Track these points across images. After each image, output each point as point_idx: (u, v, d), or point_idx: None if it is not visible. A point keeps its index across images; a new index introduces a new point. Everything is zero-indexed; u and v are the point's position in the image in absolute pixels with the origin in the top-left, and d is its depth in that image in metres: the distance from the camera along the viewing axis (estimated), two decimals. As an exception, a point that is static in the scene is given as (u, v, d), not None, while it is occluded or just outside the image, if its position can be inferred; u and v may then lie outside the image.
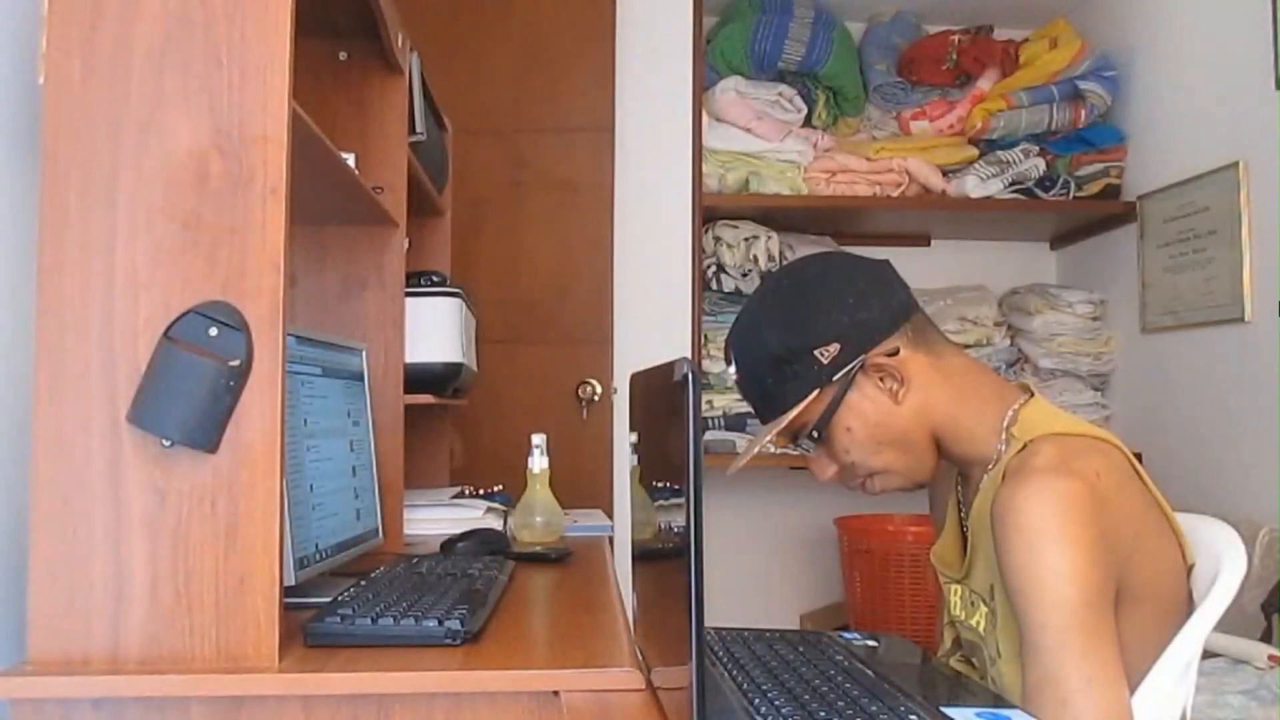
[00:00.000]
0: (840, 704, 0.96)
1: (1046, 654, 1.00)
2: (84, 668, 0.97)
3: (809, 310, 1.18)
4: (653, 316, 2.91)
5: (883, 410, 1.18)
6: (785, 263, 1.28)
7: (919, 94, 3.50)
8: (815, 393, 1.17)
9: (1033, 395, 1.20)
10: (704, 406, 3.17)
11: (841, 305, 1.17)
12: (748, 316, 1.24)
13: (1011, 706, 1.01)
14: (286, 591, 1.04)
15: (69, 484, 0.99)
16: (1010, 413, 1.17)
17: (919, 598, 2.99)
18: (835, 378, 1.16)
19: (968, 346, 3.36)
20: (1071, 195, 3.38)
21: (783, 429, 1.20)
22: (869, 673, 1.10)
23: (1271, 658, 2.07)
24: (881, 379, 1.17)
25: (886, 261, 1.25)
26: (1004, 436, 1.16)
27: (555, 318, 3.00)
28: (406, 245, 1.81)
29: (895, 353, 1.17)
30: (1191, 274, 2.99)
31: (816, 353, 1.16)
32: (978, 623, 1.19)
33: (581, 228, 3.14)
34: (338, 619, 1.06)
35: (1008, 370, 3.44)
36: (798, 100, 3.37)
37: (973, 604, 1.21)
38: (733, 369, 1.24)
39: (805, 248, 3.39)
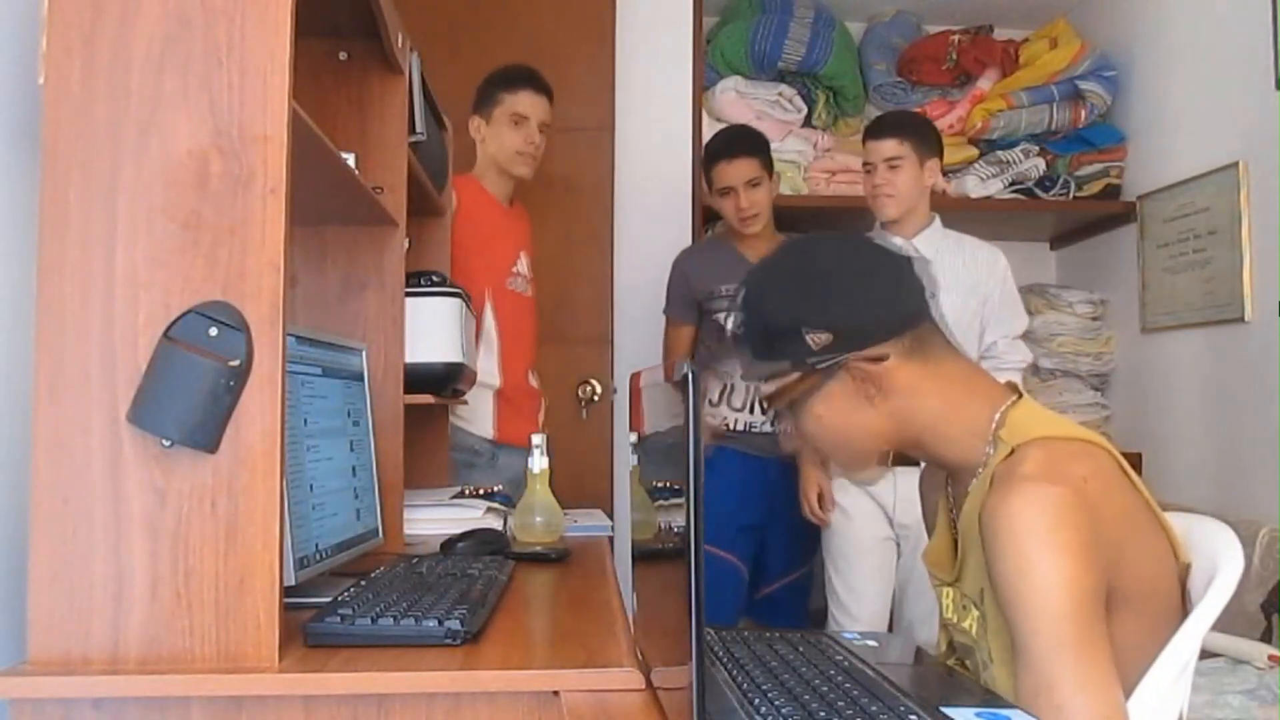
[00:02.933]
0: (840, 704, 0.96)
1: (1039, 661, 1.00)
2: (84, 668, 0.97)
3: (816, 292, 1.17)
4: (653, 316, 2.91)
5: (855, 408, 1.18)
6: (821, 232, 1.27)
7: (919, 94, 3.50)
8: (796, 374, 1.18)
9: (1020, 396, 1.20)
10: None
11: (848, 298, 1.16)
12: (763, 271, 1.24)
13: (1011, 706, 1.01)
14: (286, 591, 1.04)
15: (69, 484, 0.98)
16: (997, 416, 1.16)
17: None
18: (818, 366, 1.16)
19: (968, 346, 3.36)
20: (1071, 195, 3.38)
21: (762, 392, 1.21)
22: (869, 673, 1.10)
23: (1271, 658, 2.07)
24: (860, 380, 1.17)
25: (911, 259, 1.22)
26: (991, 439, 1.15)
27: (555, 318, 2.99)
28: (406, 245, 1.81)
29: (884, 358, 1.16)
30: (1191, 274, 2.99)
31: (808, 336, 1.15)
32: (970, 626, 1.19)
33: (581, 228, 3.14)
34: (338, 619, 1.06)
35: (1008, 370, 3.44)
36: (798, 100, 3.37)
37: (964, 608, 1.20)
38: (732, 320, 1.25)
39: (805, 248, 3.39)
